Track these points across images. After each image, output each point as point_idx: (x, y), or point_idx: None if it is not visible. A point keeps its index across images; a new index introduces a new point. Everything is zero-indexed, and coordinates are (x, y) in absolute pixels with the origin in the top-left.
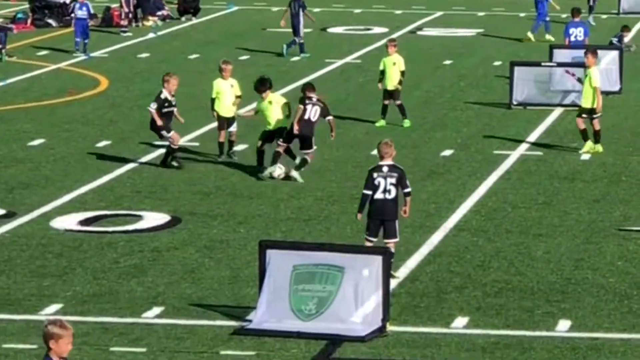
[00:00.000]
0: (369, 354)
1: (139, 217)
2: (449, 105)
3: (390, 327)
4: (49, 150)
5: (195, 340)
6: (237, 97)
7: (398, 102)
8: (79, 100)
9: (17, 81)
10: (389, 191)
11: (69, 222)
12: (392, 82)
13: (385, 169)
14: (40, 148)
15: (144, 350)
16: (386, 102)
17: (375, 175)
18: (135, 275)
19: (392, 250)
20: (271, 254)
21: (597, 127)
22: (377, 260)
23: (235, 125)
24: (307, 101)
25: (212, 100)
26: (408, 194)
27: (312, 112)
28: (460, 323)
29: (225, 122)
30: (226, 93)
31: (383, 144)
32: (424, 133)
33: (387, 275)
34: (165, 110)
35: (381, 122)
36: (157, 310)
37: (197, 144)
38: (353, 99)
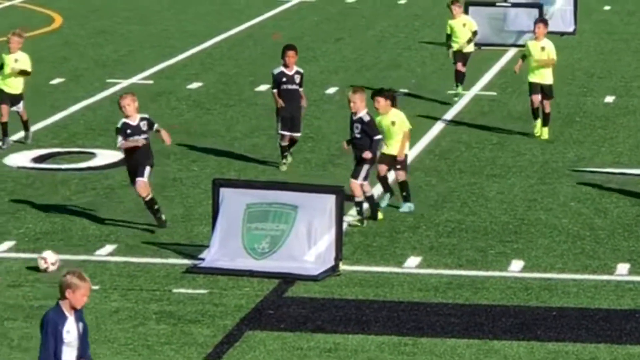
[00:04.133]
0: (322, 293)
1: (92, 155)
2: (404, 44)
3: (343, 267)
4: None
5: (148, 278)
6: (23, 72)
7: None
8: (32, 38)
9: None
10: None
11: (22, 159)
12: (464, 44)
13: None
14: None
15: (96, 287)
16: (460, 67)
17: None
18: (88, 213)
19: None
20: (225, 192)
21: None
22: (331, 199)
23: (22, 104)
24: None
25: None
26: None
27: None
28: (413, 262)
29: (8, 99)
30: (9, 68)
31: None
32: (378, 72)
33: (340, 214)
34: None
35: (460, 89)
36: (109, 247)
37: (151, 82)
38: (309, 38)
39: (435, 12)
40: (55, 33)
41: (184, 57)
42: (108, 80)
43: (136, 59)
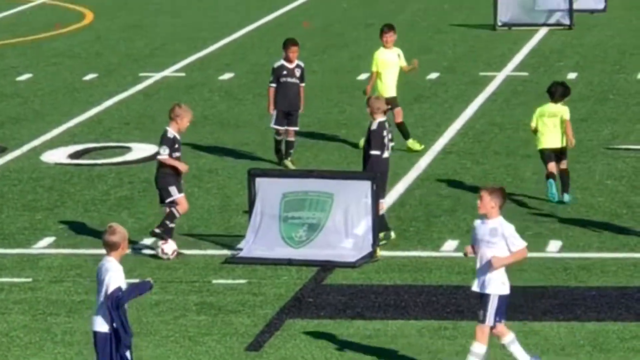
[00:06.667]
0: (360, 279)
1: (128, 149)
2: (434, 28)
3: (380, 252)
4: (37, 84)
5: (187, 270)
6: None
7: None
8: (64, 34)
9: (3, 17)
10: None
11: (58, 155)
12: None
13: (387, 124)
14: (28, 83)
15: (136, 280)
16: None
17: (384, 133)
18: (126, 207)
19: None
20: (260, 182)
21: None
22: (366, 185)
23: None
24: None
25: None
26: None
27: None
28: (450, 246)
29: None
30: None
31: (374, 99)
32: (411, 56)
33: (376, 200)
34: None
35: None
36: (147, 241)
37: (183, 74)
38: (339, 25)
39: None
40: (87, 28)
41: (215, 49)
42: (140, 74)
43: (168, 52)
